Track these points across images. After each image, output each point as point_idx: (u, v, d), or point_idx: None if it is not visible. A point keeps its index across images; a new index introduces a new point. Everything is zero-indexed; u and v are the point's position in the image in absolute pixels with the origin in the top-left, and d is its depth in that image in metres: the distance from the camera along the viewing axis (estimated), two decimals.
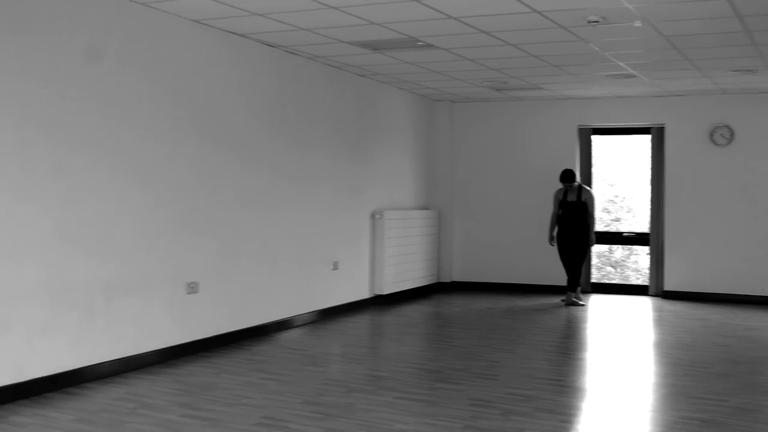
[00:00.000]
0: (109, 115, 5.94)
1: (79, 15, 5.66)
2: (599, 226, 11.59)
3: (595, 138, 11.61)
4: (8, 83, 5.16)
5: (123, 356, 6.08)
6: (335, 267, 9.12)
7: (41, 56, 5.39)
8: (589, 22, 6.44)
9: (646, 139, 11.43)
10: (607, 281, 12.24)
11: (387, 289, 10.04)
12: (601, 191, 12.22)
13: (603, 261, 12.83)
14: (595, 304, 10.39)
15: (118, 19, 5.99)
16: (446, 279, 11.89)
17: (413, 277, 10.81)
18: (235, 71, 7.38)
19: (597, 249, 11.87)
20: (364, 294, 9.83)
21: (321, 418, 4.85)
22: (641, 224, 12.21)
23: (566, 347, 7.83)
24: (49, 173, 5.45)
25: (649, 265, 11.31)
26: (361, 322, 8.80)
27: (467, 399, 5.36)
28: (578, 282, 10.26)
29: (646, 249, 11.47)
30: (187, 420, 4.80)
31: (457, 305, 10.23)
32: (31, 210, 5.33)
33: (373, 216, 9.97)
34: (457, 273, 11.98)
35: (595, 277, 11.81)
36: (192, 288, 6.81)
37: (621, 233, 11.96)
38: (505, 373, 6.24)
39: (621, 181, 13.22)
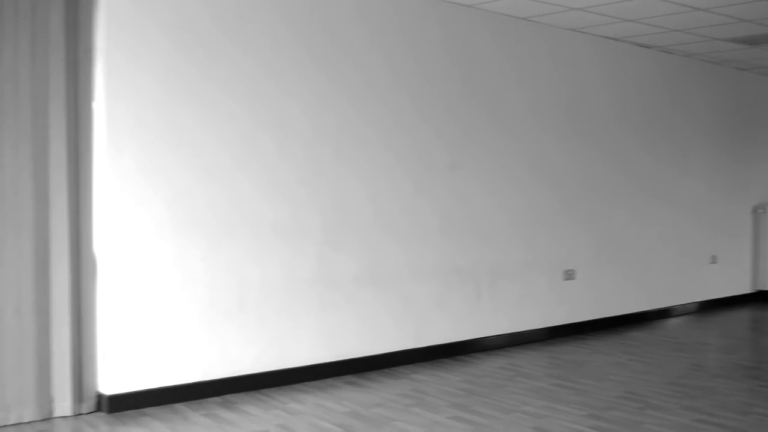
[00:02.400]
0: (498, 120, 6.81)
1: (471, 29, 6.59)
2: None
3: None
4: (408, 95, 6.22)
5: (506, 332, 6.93)
6: (713, 261, 9.20)
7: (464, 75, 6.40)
8: None
9: None
10: None
11: None
12: None
13: None
14: None
15: (496, 33, 6.83)
16: None
17: None
18: (608, 72, 7.85)
19: None
20: (745, 289, 9.76)
21: (679, 397, 5.25)
22: None
23: None
24: (444, 171, 6.44)
25: None
26: (739, 315, 8.82)
27: None
28: None
29: None
30: (556, 389, 5.48)
31: None
32: (428, 202, 6.36)
33: (755, 211, 9.83)
34: None
35: None
36: (569, 275, 7.47)
37: None
38: None
39: None
